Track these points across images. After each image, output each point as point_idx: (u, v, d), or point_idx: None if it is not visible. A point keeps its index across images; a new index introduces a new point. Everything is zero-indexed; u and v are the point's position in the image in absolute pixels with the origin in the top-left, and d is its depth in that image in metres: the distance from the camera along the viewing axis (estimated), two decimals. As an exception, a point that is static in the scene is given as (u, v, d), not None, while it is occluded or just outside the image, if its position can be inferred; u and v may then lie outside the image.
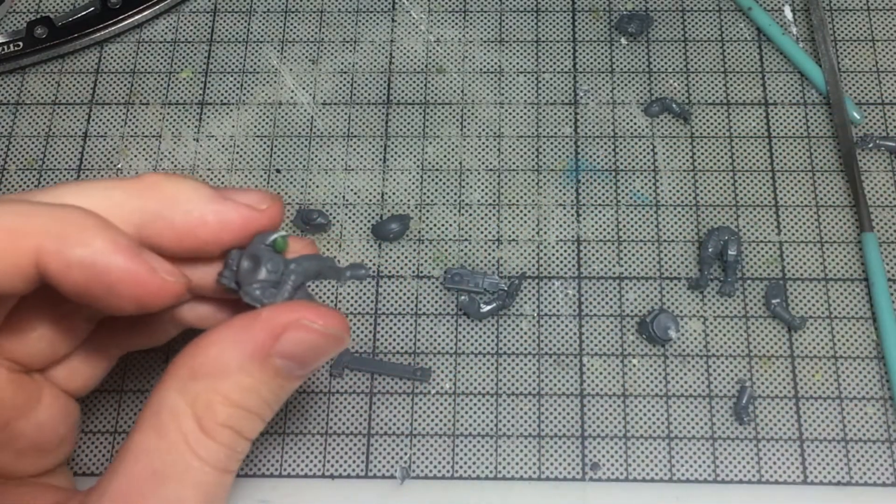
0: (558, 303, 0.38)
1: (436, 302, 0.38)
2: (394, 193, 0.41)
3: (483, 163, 0.41)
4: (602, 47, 0.43)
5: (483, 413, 0.36)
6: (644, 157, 0.41)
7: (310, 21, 0.45)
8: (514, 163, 0.41)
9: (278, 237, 0.26)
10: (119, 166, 0.42)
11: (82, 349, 0.29)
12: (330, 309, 0.25)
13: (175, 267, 0.25)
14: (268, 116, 0.42)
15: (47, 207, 0.23)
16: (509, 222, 0.40)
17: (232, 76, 0.43)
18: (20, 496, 0.25)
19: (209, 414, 0.24)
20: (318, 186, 0.41)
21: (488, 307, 0.38)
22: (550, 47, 0.43)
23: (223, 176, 0.41)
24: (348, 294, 0.39)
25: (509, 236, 0.39)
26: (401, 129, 0.42)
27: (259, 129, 0.42)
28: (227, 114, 0.43)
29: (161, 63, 0.44)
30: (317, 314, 0.24)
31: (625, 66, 0.43)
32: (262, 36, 0.44)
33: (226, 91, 0.43)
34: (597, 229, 0.39)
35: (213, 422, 0.24)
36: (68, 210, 0.23)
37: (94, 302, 0.24)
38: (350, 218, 0.40)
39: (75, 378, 0.29)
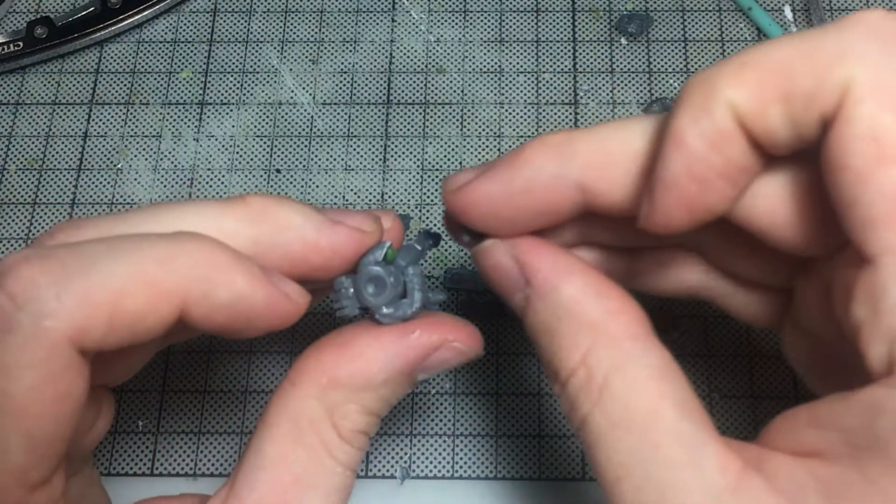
0: (558, 303, 0.38)
1: (436, 302, 0.38)
2: (394, 193, 0.41)
3: (483, 163, 0.41)
4: (602, 47, 0.43)
5: (483, 413, 0.36)
6: (644, 157, 0.41)
7: (310, 21, 0.45)
8: (514, 163, 0.41)
9: (388, 249, 0.26)
10: (119, 166, 0.42)
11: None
12: (472, 328, 0.25)
13: (295, 283, 0.24)
14: (268, 116, 0.42)
15: (184, 246, 0.22)
16: (509, 222, 0.40)
17: (232, 76, 0.43)
18: None
19: (347, 422, 0.24)
20: (318, 186, 0.41)
21: (488, 307, 0.38)
22: (550, 47, 0.43)
23: (223, 176, 0.41)
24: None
25: (509, 236, 0.39)
26: (401, 129, 0.42)
27: (259, 129, 0.42)
28: (227, 114, 0.43)
29: (161, 63, 0.44)
30: (466, 336, 0.25)
31: (625, 66, 0.43)
32: (262, 36, 0.44)
33: (226, 91, 0.43)
34: (597, 229, 0.39)
35: (350, 430, 0.24)
36: (205, 248, 0.22)
37: (230, 334, 0.23)
38: (350, 218, 0.40)
39: (117, 373, 0.29)
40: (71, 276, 0.21)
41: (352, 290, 0.26)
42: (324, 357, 0.24)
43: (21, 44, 0.43)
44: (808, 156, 0.22)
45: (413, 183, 0.41)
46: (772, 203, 0.23)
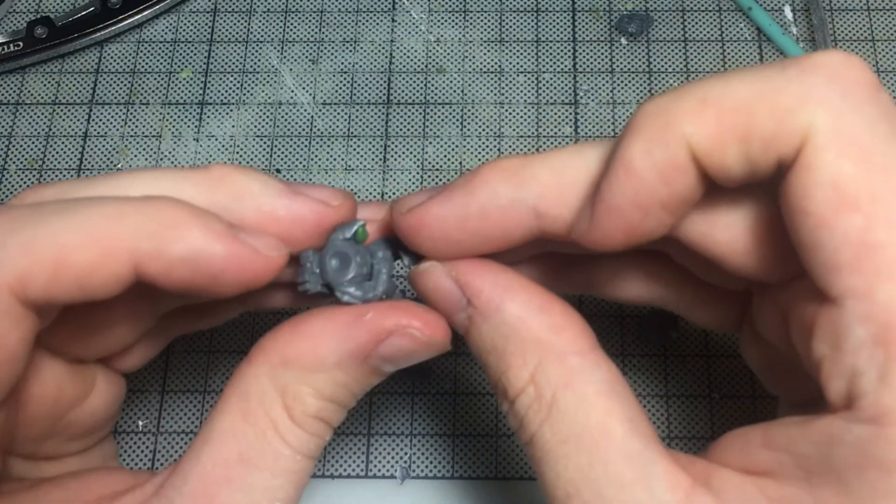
0: (558, 303, 0.38)
1: (436, 302, 0.38)
2: (394, 193, 0.41)
3: (483, 163, 0.41)
4: (602, 47, 0.43)
5: (483, 413, 0.36)
6: (644, 157, 0.41)
7: (310, 21, 0.45)
8: (514, 163, 0.41)
9: (359, 227, 0.26)
10: (119, 166, 0.42)
11: (142, 334, 0.28)
12: (434, 315, 0.25)
13: (272, 237, 0.24)
14: (268, 116, 0.42)
15: (135, 205, 0.22)
16: (509, 222, 0.40)
17: (232, 76, 0.43)
18: (87, 485, 0.25)
19: (298, 405, 0.23)
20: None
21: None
22: (550, 47, 0.43)
23: (223, 176, 0.41)
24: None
25: (509, 236, 0.39)
26: (401, 129, 0.42)
27: (259, 129, 0.42)
28: (227, 114, 0.43)
29: (161, 63, 0.44)
30: (423, 323, 0.24)
31: (625, 66, 0.43)
32: (262, 36, 0.44)
33: (226, 91, 0.43)
34: (597, 229, 0.39)
35: (302, 412, 0.23)
36: (158, 204, 0.22)
37: (197, 293, 0.23)
38: (350, 218, 0.40)
39: (129, 360, 0.29)
40: (20, 230, 0.21)
41: (317, 266, 0.25)
42: (279, 335, 0.24)
43: (21, 44, 0.43)
44: (759, 188, 0.22)
45: (413, 183, 0.41)
46: (728, 234, 0.23)
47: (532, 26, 0.44)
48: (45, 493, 0.24)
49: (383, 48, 0.44)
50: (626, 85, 0.42)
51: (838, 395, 0.20)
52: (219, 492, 0.22)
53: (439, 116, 0.42)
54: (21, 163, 0.42)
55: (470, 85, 0.43)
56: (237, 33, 0.44)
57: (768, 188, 0.22)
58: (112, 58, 0.44)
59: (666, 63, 0.43)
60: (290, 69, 0.44)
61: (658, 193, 0.21)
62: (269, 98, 0.43)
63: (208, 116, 0.43)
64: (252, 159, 0.42)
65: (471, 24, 0.44)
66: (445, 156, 0.41)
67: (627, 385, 0.23)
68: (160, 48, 0.44)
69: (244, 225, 0.24)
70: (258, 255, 0.23)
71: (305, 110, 0.43)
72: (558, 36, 0.44)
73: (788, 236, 0.21)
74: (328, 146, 0.42)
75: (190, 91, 0.43)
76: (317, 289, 0.25)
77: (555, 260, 0.28)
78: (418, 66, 0.43)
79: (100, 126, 0.43)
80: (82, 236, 0.21)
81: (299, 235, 0.25)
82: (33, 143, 0.42)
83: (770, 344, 0.26)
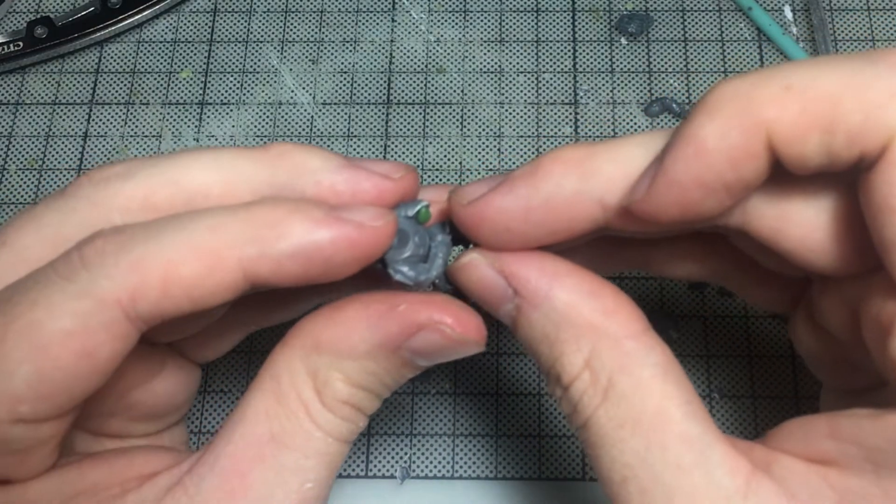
0: (558, 303, 0.38)
1: (436, 302, 0.38)
2: (394, 193, 0.41)
3: (483, 163, 0.41)
4: (602, 47, 0.43)
5: (483, 413, 0.36)
6: (644, 157, 0.41)
7: (310, 21, 0.45)
8: (514, 163, 0.41)
9: (422, 207, 0.25)
10: (119, 166, 0.42)
11: (216, 324, 0.28)
12: (469, 312, 0.24)
13: (373, 206, 0.23)
14: (268, 116, 0.42)
15: (235, 212, 0.22)
16: (509, 222, 0.40)
17: (232, 76, 0.43)
18: (130, 462, 0.25)
19: (329, 390, 0.23)
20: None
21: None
22: (550, 47, 0.43)
23: (223, 176, 0.41)
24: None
25: (509, 236, 0.39)
26: (401, 129, 0.42)
27: (259, 129, 0.42)
28: (227, 114, 0.43)
29: (161, 63, 0.44)
30: (457, 320, 0.23)
31: (625, 66, 0.43)
32: (262, 36, 0.44)
33: (226, 91, 0.43)
34: (597, 229, 0.39)
35: (332, 397, 0.23)
36: (256, 208, 0.22)
37: (316, 280, 0.23)
38: (350, 218, 0.40)
39: (204, 350, 0.29)
40: (130, 249, 0.22)
41: None
42: (315, 320, 0.24)
43: (21, 44, 0.43)
44: (833, 179, 0.22)
45: (413, 183, 0.41)
46: (801, 230, 0.22)
47: (532, 26, 0.44)
48: (90, 467, 0.24)
49: (383, 48, 0.44)
50: (626, 85, 0.42)
51: None
52: (250, 470, 0.23)
53: (439, 116, 0.42)
54: (21, 163, 0.42)
55: (470, 85, 0.43)
56: (237, 33, 0.44)
57: (843, 179, 0.21)
58: (112, 58, 0.44)
59: (666, 63, 0.43)
60: (290, 69, 0.44)
61: (725, 176, 0.21)
62: (269, 98, 0.43)
63: (208, 116, 0.43)
64: (252, 159, 0.42)
65: (471, 24, 0.44)
66: (445, 156, 0.41)
67: (681, 368, 0.23)
68: (160, 48, 0.44)
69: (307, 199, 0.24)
70: (364, 229, 0.23)
71: (305, 110, 0.43)
72: (558, 36, 0.44)
73: (865, 231, 0.20)
74: (328, 146, 0.42)
75: (190, 91, 0.43)
76: (374, 264, 0.25)
77: (609, 240, 0.27)
78: (418, 66, 0.43)
79: (100, 126, 0.43)
80: (188, 250, 0.22)
81: None
82: (33, 143, 0.42)
83: (826, 332, 0.25)
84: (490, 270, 0.24)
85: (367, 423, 0.25)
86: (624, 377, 0.22)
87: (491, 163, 0.41)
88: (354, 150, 0.42)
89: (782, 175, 0.21)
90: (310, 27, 0.44)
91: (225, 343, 0.30)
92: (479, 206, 0.24)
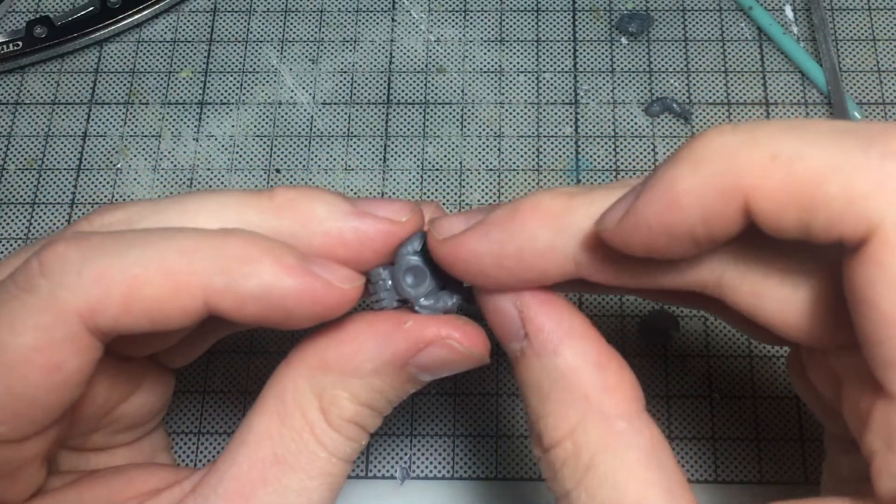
0: (558, 303, 0.38)
1: (436, 302, 0.38)
2: (394, 193, 0.41)
3: (483, 163, 0.41)
4: (602, 47, 0.43)
5: (483, 413, 0.36)
6: (645, 156, 0.41)
7: (310, 21, 0.45)
8: (514, 163, 0.41)
9: (426, 239, 0.25)
10: (119, 166, 0.42)
11: (190, 334, 0.28)
12: (476, 328, 0.24)
13: (346, 269, 0.23)
14: (268, 116, 0.42)
15: (209, 239, 0.22)
16: (509, 222, 0.40)
17: (232, 76, 0.43)
18: (129, 481, 0.25)
19: (335, 409, 0.23)
20: (318, 186, 0.41)
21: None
22: (551, 47, 0.43)
23: (223, 176, 0.41)
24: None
25: (509, 236, 0.39)
26: (401, 129, 0.42)
27: (259, 129, 0.42)
28: (227, 114, 0.43)
29: (161, 63, 0.44)
30: (464, 335, 0.24)
31: (625, 66, 0.43)
32: (262, 36, 0.44)
33: (226, 91, 0.43)
34: (597, 229, 0.39)
35: (338, 416, 0.23)
36: (231, 239, 0.22)
37: (271, 325, 0.23)
38: (350, 218, 0.40)
39: (175, 357, 0.29)
40: (96, 258, 0.21)
41: (390, 281, 0.25)
42: (318, 339, 0.24)
43: (21, 43, 0.43)
44: (814, 253, 0.21)
45: (413, 183, 0.41)
46: (779, 303, 0.22)
47: (532, 26, 0.44)
48: (88, 489, 0.24)
49: (383, 48, 0.44)
50: (626, 85, 0.42)
51: (888, 492, 0.19)
52: (254, 492, 0.23)
53: (439, 116, 0.42)
54: (20, 162, 0.42)
55: (470, 85, 0.43)
56: (237, 33, 0.44)
57: (824, 254, 0.21)
58: (111, 57, 0.44)
59: (666, 63, 0.43)
60: (290, 69, 0.44)
61: (695, 231, 0.20)
62: (269, 98, 0.43)
63: (208, 116, 0.43)
64: (252, 159, 0.42)
65: (471, 23, 0.44)
66: (445, 156, 0.41)
67: (670, 451, 0.22)
68: (160, 48, 0.44)
69: (311, 250, 0.24)
70: (332, 288, 0.22)
71: (305, 110, 0.43)
72: (558, 36, 0.44)
73: (845, 309, 0.20)
74: (328, 146, 0.42)
75: (189, 91, 0.43)
76: (393, 305, 0.25)
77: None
78: (418, 66, 0.43)
79: (99, 126, 0.43)
80: (155, 270, 0.21)
81: (368, 256, 0.25)
82: (33, 142, 0.42)
83: (815, 389, 0.25)
84: (510, 305, 0.24)
85: (368, 442, 0.25)
86: (608, 457, 0.22)
87: (491, 163, 0.41)
88: (354, 149, 0.41)
89: (760, 238, 0.21)
90: (309, 27, 0.44)
91: (196, 349, 0.29)
92: (454, 245, 0.24)
